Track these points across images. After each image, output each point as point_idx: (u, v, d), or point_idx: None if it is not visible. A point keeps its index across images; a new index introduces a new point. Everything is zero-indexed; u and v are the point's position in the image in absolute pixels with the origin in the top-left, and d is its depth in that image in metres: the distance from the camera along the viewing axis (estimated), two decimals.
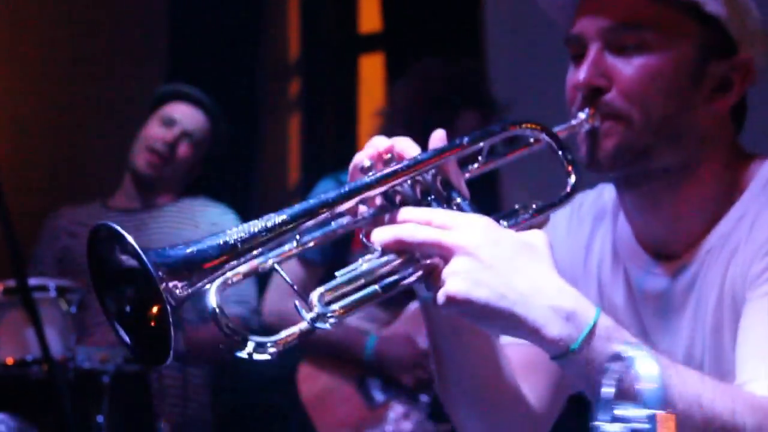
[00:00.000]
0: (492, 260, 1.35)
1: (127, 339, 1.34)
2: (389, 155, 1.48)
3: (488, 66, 4.12)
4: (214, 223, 3.77)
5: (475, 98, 3.43)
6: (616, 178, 1.72)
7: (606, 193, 1.82)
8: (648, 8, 1.65)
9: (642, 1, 1.65)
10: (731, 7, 1.66)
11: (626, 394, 1.11)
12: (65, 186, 4.51)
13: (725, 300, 1.63)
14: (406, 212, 1.42)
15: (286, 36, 5.11)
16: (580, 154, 1.67)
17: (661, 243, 1.72)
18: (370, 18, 4.89)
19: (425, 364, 3.32)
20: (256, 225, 1.35)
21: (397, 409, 3.40)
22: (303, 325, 1.34)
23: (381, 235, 1.39)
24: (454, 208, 1.47)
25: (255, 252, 1.35)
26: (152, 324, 1.31)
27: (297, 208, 1.39)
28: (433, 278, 1.39)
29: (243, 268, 1.35)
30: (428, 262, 1.39)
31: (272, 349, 1.32)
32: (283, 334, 1.33)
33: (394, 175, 1.45)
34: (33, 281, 3.24)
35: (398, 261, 1.39)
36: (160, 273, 1.27)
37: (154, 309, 1.30)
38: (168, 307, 1.27)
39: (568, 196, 1.61)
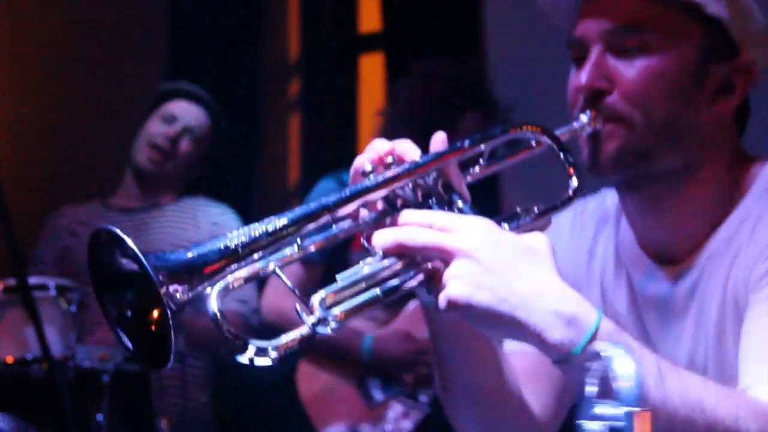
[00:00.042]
0: (493, 263, 1.34)
1: (127, 342, 1.33)
2: (390, 158, 1.47)
3: (488, 66, 4.11)
4: (215, 223, 3.76)
5: (477, 99, 3.42)
6: (618, 181, 1.72)
7: (609, 197, 1.82)
8: (649, 10, 1.64)
9: (643, 4, 1.65)
10: (733, 8, 1.65)
11: (608, 392, 1.11)
12: (65, 186, 4.50)
13: (728, 304, 1.63)
14: (407, 215, 1.41)
15: (286, 36, 5.10)
16: (581, 156, 1.66)
17: (664, 247, 1.72)
18: (370, 18, 4.88)
19: (425, 359, 3.31)
20: (257, 229, 1.34)
21: (396, 409, 3.40)
22: (304, 330, 1.33)
23: (382, 238, 1.38)
24: (456, 211, 1.46)
25: (256, 256, 1.34)
26: (153, 328, 1.31)
27: (298, 211, 1.38)
28: (434, 282, 1.38)
29: (244, 273, 1.34)
30: (429, 265, 1.38)
31: (273, 354, 1.31)
32: (284, 338, 1.32)
33: (395, 178, 1.44)
34: (33, 280, 3.22)
35: (399, 264, 1.38)
36: (160, 277, 1.26)
37: (155, 313, 1.29)
38: (168, 312, 1.26)
39: (570, 199, 1.59)
